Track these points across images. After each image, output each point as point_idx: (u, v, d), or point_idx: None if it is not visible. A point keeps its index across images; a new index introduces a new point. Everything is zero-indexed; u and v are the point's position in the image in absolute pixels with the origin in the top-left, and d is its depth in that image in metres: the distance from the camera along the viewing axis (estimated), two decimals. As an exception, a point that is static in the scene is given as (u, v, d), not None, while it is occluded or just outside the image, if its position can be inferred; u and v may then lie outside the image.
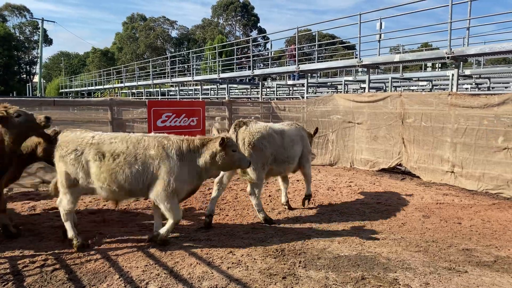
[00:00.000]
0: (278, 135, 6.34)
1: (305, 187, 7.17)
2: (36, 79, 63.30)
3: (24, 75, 74.05)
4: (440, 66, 23.60)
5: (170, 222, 4.83)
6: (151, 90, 32.58)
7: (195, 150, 4.89)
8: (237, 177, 9.65)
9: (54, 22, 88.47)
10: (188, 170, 4.80)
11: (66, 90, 50.62)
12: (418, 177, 9.57)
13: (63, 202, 4.78)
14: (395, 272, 4.26)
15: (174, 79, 27.41)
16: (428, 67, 24.46)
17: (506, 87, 18.33)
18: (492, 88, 17.83)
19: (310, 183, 7.15)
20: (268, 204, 7.25)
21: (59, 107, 8.60)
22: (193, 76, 24.26)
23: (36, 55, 70.26)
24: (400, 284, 3.96)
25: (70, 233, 4.76)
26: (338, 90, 21.64)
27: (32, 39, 72.73)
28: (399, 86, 21.79)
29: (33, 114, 5.06)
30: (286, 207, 7.01)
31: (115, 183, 4.61)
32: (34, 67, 73.07)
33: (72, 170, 4.65)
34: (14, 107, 4.98)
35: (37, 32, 67.26)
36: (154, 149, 4.70)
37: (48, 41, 72.79)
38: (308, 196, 7.09)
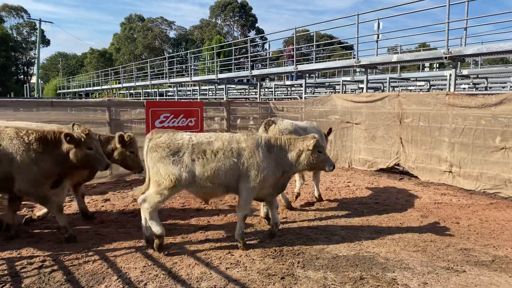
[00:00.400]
0: (303, 131, 6.50)
1: (315, 189, 7.50)
2: (33, 80, 63.19)
3: (22, 76, 73.93)
4: (437, 66, 23.65)
5: (240, 214, 4.98)
6: (149, 90, 32.58)
7: (281, 148, 5.06)
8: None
9: (51, 22, 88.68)
10: (275, 166, 4.96)
11: (64, 91, 50.51)
12: (416, 177, 9.58)
13: (151, 201, 4.75)
14: (394, 272, 4.26)
15: (172, 80, 27.40)
16: (426, 67, 24.53)
17: (503, 87, 18.41)
18: (490, 88, 17.89)
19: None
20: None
21: (56, 108, 8.56)
22: (191, 76, 24.25)
23: (33, 56, 70.10)
24: (398, 284, 3.97)
25: (159, 230, 4.75)
26: (336, 90, 21.66)
27: (29, 40, 72.63)
28: (397, 86, 21.85)
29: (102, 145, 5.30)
30: (286, 205, 7.04)
31: (217, 178, 4.76)
32: (32, 68, 73.01)
33: (174, 170, 4.69)
34: (94, 138, 5.12)
35: (35, 33, 67.17)
36: (245, 143, 4.89)
37: (45, 42, 72.80)
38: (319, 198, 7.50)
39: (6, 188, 4.92)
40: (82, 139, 4.90)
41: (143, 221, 4.96)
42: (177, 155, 4.73)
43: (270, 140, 5.06)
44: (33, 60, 69.73)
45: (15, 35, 70.79)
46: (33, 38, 70.88)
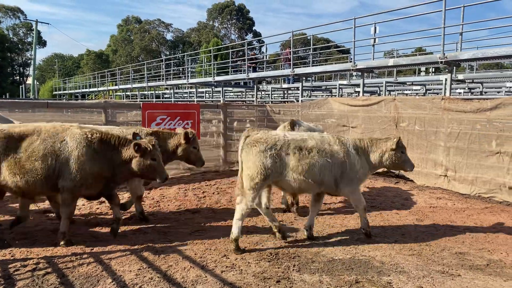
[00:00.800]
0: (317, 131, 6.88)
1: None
2: (29, 81, 62.86)
3: (18, 77, 73.55)
4: (433, 70, 23.82)
5: (359, 208, 5.35)
6: (146, 92, 32.51)
7: (365, 148, 5.34)
8: (231, 181, 9.64)
9: (48, 23, 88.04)
10: (361, 165, 5.25)
11: (60, 92, 50.29)
12: (412, 180, 9.61)
13: (246, 199, 4.92)
14: (389, 275, 4.27)
15: (169, 82, 27.36)
16: (422, 71, 24.69)
17: (498, 92, 18.53)
18: (485, 92, 18.02)
19: None
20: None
21: (52, 109, 8.52)
22: (188, 79, 24.24)
23: (29, 56, 69.89)
24: (393, 288, 3.97)
25: (236, 232, 4.90)
26: (333, 94, 21.76)
27: (25, 40, 72.32)
28: (393, 90, 21.96)
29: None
30: (284, 205, 7.08)
31: (310, 174, 4.96)
32: (28, 69, 72.66)
33: (270, 163, 4.90)
34: (158, 149, 5.19)
35: (31, 34, 66.95)
36: (336, 145, 5.17)
37: (42, 43, 72.51)
38: None
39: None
40: (148, 149, 4.96)
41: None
42: (274, 149, 4.95)
43: (356, 142, 5.34)
44: (29, 61, 69.50)
45: (11, 36, 70.47)
46: (29, 39, 70.62)
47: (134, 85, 32.59)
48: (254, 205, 4.99)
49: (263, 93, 24.83)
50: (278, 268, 4.42)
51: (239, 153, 5.15)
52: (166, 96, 31.96)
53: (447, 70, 11.06)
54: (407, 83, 20.01)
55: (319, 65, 19.43)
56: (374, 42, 13.34)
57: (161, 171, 5.11)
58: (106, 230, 5.73)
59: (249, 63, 19.29)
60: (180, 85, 28.45)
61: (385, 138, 5.52)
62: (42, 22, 54.03)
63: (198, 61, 41.59)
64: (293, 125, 6.75)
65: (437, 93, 19.38)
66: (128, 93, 35.63)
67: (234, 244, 4.90)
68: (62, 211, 5.01)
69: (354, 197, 5.33)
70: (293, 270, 4.37)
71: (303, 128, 6.92)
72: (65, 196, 4.93)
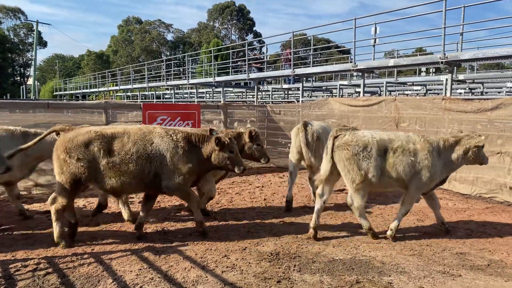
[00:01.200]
0: (328, 131, 7.10)
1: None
2: (30, 81, 62.94)
3: (18, 78, 73.57)
4: (434, 71, 23.80)
5: (402, 209, 5.53)
6: (146, 93, 32.50)
7: (449, 149, 5.45)
8: (232, 181, 9.64)
9: (49, 24, 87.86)
10: (443, 164, 5.39)
11: (60, 92, 50.31)
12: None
13: (355, 200, 5.37)
14: (390, 275, 4.26)
15: (169, 82, 27.37)
16: (422, 72, 24.67)
17: (499, 92, 18.50)
18: (485, 93, 18.00)
19: None
20: (263, 207, 7.24)
21: (53, 110, 8.54)
22: (188, 79, 24.24)
23: (30, 57, 69.87)
24: (394, 288, 3.96)
25: (365, 224, 5.49)
26: (333, 94, 21.74)
27: (26, 41, 72.33)
28: (393, 91, 21.93)
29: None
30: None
31: (395, 173, 5.23)
32: (29, 69, 72.70)
33: (363, 165, 5.18)
34: (235, 142, 5.53)
35: (32, 35, 66.93)
36: (420, 144, 5.30)
37: (42, 44, 72.47)
38: None
39: (153, 186, 5.18)
40: (226, 143, 5.23)
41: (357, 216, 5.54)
42: (365, 151, 5.18)
43: (439, 143, 5.43)
44: (30, 61, 69.50)
45: (12, 36, 70.50)
46: (30, 40, 70.63)
47: (134, 86, 32.59)
48: (363, 203, 5.44)
49: (263, 93, 24.81)
50: (279, 268, 4.42)
51: (328, 153, 5.42)
52: (166, 96, 31.95)
53: (447, 70, 11.05)
54: (408, 83, 19.99)
55: (320, 65, 19.44)
56: (375, 42, 13.35)
57: (239, 162, 5.38)
58: (106, 231, 5.74)
59: (254, 63, 19.28)
60: (180, 86, 28.45)
61: (466, 135, 5.55)
62: (42, 23, 53.91)
63: (199, 62, 41.56)
64: (305, 125, 7.08)
65: (438, 94, 19.35)
66: (128, 93, 35.63)
67: (370, 234, 5.50)
68: (189, 205, 5.62)
69: (411, 195, 5.44)
70: (294, 270, 4.37)
71: (317, 127, 7.21)
72: (178, 194, 5.39)
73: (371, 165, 5.18)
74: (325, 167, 5.45)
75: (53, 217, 4.98)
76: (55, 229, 4.98)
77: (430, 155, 5.25)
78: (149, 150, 5.01)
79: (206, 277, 4.15)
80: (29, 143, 5.22)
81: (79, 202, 7.11)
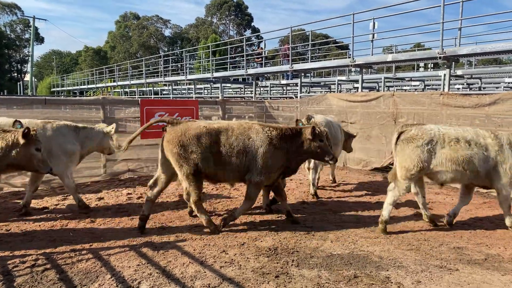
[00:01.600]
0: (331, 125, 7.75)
1: (311, 187, 7.86)
2: (27, 77, 62.69)
3: (15, 74, 73.25)
4: (432, 66, 23.76)
5: (504, 205, 5.50)
6: (144, 89, 32.42)
7: None
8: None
9: (45, 20, 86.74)
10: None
11: (58, 89, 50.11)
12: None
13: (399, 188, 5.49)
14: (387, 270, 4.28)
15: (167, 78, 27.28)
16: (420, 67, 24.64)
17: (497, 87, 18.51)
18: (483, 88, 18.00)
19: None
20: (259, 202, 7.24)
21: (50, 106, 8.51)
22: (186, 75, 24.18)
23: (27, 53, 69.51)
24: (392, 282, 3.98)
25: (386, 215, 5.53)
26: (332, 90, 21.71)
27: (23, 37, 71.92)
28: (391, 86, 21.91)
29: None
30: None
31: (464, 166, 5.24)
32: (26, 65, 72.37)
33: (425, 157, 5.31)
34: (323, 132, 5.69)
35: (29, 30, 66.52)
36: (490, 139, 5.31)
37: (39, 40, 72.01)
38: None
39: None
40: (318, 132, 5.51)
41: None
42: (430, 144, 5.31)
43: (510, 137, 5.39)
44: (27, 57, 69.16)
45: (8, 32, 70.08)
46: (27, 36, 70.20)
47: (132, 82, 32.48)
48: (406, 192, 5.60)
49: (261, 89, 24.78)
50: (277, 263, 4.43)
51: (392, 147, 5.65)
52: (164, 92, 31.86)
53: (445, 66, 11.05)
54: (406, 78, 19.97)
55: (318, 61, 19.36)
56: (373, 37, 13.32)
57: (329, 152, 5.61)
58: (104, 226, 5.75)
59: (256, 58, 19.21)
60: (178, 82, 28.36)
61: None
62: (39, 19, 53.28)
63: (197, 57, 41.46)
64: (309, 119, 7.26)
65: (436, 89, 19.36)
66: (126, 89, 35.54)
67: (382, 226, 5.53)
68: (245, 202, 5.64)
69: (504, 193, 5.40)
70: (292, 265, 4.38)
71: (319, 121, 7.30)
72: (251, 189, 5.52)
73: (434, 157, 5.30)
74: (396, 161, 5.72)
75: (196, 210, 5.40)
76: (202, 218, 5.42)
77: (501, 150, 5.27)
78: (246, 145, 5.33)
79: (205, 272, 4.16)
80: (137, 132, 5.71)
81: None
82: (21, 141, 4.73)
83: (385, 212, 5.53)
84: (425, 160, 5.29)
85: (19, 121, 5.43)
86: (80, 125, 6.76)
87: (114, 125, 6.97)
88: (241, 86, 25.67)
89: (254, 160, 5.32)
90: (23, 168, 5.13)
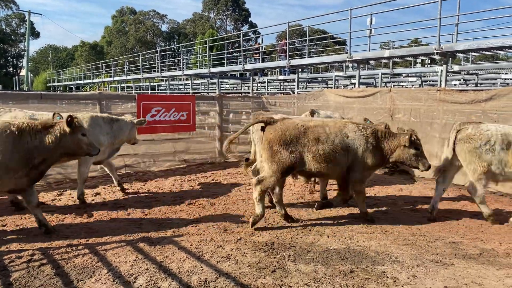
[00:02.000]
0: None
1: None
2: (23, 72, 62.13)
3: (11, 69, 72.71)
4: (429, 62, 23.77)
5: None
6: (141, 84, 32.28)
7: None
8: (227, 172, 9.65)
9: (41, 14, 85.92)
10: None
11: (54, 84, 49.83)
12: (407, 172, 9.65)
13: (477, 189, 5.63)
14: (383, 265, 4.30)
15: (164, 73, 27.17)
16: (417, 63, 24.63)
17: (493, 84, 18.58)
18: (480, 84, 18.07)
19: None
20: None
21: (46, 101, 8.45)
22: (183, 70, 24.09)
23: (23, 48, 68.93)
24: (388, 277, 4.01)
25: (486, 211, 5.78)
26: (329, 86, 21.69)
27: (18, 31, 71.30)
28: (389, 82, 21.92)
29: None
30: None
31: None
32: (21, 60, 71.76)
33: (487, 158, 5.44)
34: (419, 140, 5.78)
35: (24, 25, 65.95)
36: None
37: (35, 34, 71.42)
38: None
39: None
40: (414, 139, 5.57)
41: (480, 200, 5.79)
42: (489, 144, 5.42)
43: None
44: (23, 52, 68.56)
45: (4, 27, 69.46)
46: (22, 30, 69.59)
47: (129, 77, 32.35)
48: (484, 192, 5.70)
49: (259, 84, 24.73)
50: (274, 258, 4.44)
51: (450, 145, 5.82)
52: (161, 87, 31.76)
53: (442, 62, 11.07)
54: (403, 74, 19.99)
55: (315, 56, 19.36)
56: (370, 33, 13.30)
57: (423, 159, 5.65)
58: (101, 222, 5.74)
59: (254, 53, 19.17)
60: (175, 77, 28.25)
61: None
62: (35, 13, 52.67)
63: (194, 53, 41.26)
64: (312, 113, 7.41)
65: (433, 85, 19.37)
66: (123, 85, 35.35)
67: (491, 220, 5.74)
68: (357, 197, 5.85)
69: None
70: (289, 260, 4.40)
71: (321, 116, 7.45)
72: (358, 187, 5.72)
73: (494, 157, 5.39)
74: (445, 157, 5.96)
75: (257, 197, 5.39)
76: (257, 208, 5.44)
77: None
78: (346, 143, 5.48)
79: (201, 267, 4.17)
80: (244, 128, 6.04)
81: (74, 194, 7.08)
82: (67, 129, 4.96)
83: (485, 209, 5.80)
84: (486, 160, 5.45)
85: (59, 114, 5.57)
86: (114, 117, 7.13)
87: (142, 118, 7.52)
88: (238, 81, 25.62)
89: (354, 158, 5.51)
90: (75, 153, 5.34)
